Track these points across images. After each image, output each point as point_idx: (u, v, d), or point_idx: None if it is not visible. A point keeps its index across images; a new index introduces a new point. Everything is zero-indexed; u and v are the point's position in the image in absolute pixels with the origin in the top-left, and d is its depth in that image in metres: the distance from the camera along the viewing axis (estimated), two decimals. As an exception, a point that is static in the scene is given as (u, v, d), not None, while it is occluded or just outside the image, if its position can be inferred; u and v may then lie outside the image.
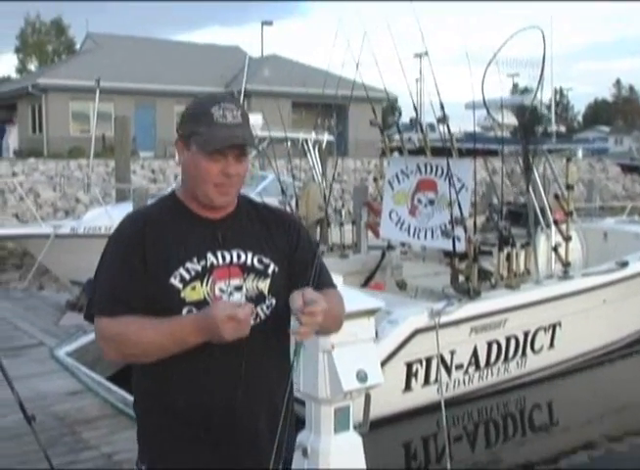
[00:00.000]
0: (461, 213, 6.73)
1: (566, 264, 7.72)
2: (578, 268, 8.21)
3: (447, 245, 6.91)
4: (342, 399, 2.58)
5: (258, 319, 2.03)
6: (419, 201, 7.48)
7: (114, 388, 5.80)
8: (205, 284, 1.99)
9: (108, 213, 11.46)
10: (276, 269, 2.08)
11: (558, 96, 63.73)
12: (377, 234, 8.48)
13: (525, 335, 7.20)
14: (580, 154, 31.08)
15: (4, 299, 9.90)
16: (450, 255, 6.95)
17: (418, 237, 7.48)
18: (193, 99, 2.11)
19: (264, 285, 2.06)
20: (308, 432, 2.64)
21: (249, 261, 2.06)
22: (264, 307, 2.05)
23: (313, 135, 12.54)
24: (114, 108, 27.94)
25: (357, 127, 25.62)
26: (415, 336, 6.19)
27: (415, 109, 8.13)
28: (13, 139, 31.55)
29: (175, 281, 1.98)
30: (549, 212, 8.05)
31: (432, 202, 7.33)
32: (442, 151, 7.33)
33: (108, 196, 17.52)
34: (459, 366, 6.72)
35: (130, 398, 4.26)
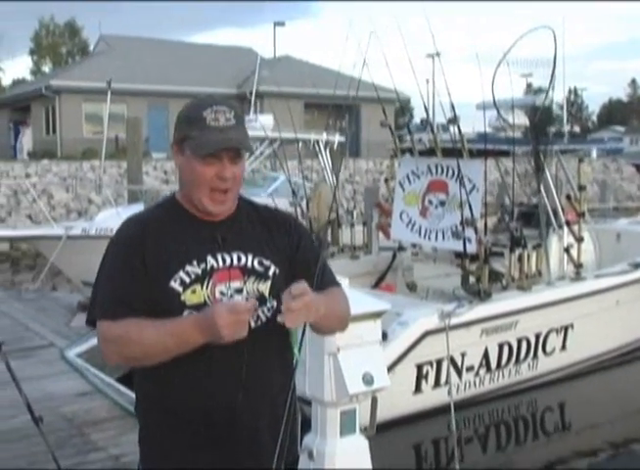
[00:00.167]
0: (472, 215, 6.70)
1: (578, 266, 7.67)
2: (591, 269, 8.15)
3: (458, 246, 6.89)
4: (347, 403, 2.57)
5: (259, 321, 2.01)
6: (430, 202, 7.46)
7: (124, 389, 5.77)
8: (205, 287, 1.98)
9: (119, 215, 11.46)
10: (277, 271, 2.06)
11: (572, 96, 63.51)
12: (388, 235, 8.46)
13: (537, 337, 7.15)
14: (595, 154, 30.88)
15: (16, 300, 9.97)
16: (461, 256, 6.92)
17: (429, 238, 7.47)
18: (186, 102, 2.08)
19: (265, 287, 2.04)
20: (314, 435, 2.62)
21: (249, 264, 2.04)
22: (265, 310, 2.03)
23: (324, 136, 12.50)
24: (126, 109, 28.04)
25: (370, 128, 25.55)
26: (425, 337, 6.16)
27: (426, 109, 8.09)
28: (27, 141, 31.75)
29: (175, 284, 1.96)
30: (561, 213, 8.00)
31: (442, 203, 7.31)
32: (453, 152, 7.30)
33: (120, 197, 17.56)
34: (470, 368, 6.68)
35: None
